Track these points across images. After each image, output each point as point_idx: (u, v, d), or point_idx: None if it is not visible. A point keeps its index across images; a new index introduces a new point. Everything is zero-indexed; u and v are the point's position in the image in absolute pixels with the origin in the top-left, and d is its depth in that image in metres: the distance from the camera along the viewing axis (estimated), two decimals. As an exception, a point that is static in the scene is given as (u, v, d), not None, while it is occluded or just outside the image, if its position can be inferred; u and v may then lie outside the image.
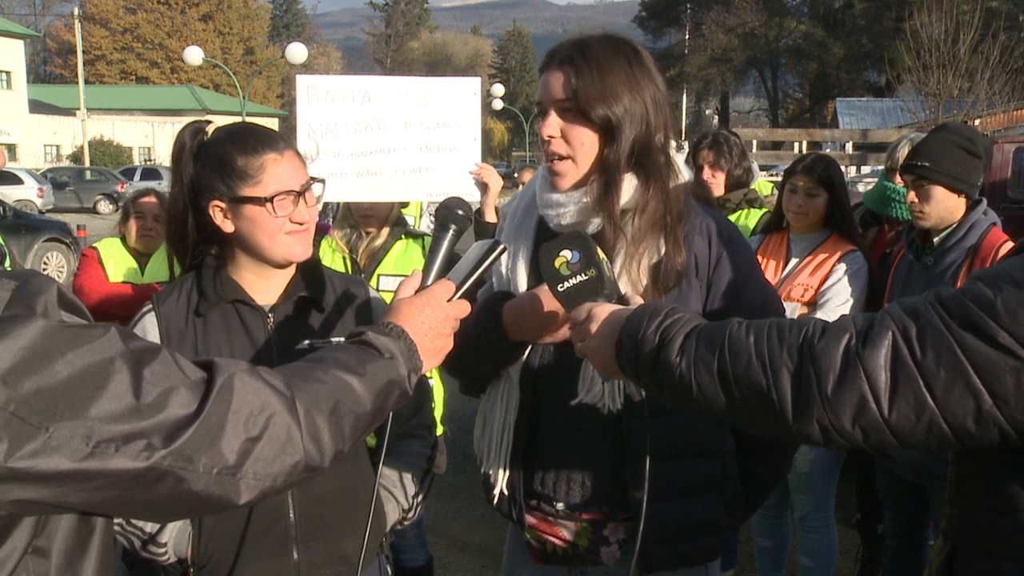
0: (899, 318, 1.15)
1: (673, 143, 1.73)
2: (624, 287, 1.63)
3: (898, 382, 1.11)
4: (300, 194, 1.71)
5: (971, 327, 1.09)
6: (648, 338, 1.31)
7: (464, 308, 1.48)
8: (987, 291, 1.11)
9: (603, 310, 1.43)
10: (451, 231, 1.59)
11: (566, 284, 1.49)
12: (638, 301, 1.48)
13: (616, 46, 1.67)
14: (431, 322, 1.42)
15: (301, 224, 1.72)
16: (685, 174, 1.74)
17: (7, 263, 3.53)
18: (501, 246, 1.57)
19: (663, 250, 1.66)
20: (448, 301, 1.46)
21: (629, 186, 1.66)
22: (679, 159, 1.76)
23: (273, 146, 1.70)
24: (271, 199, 1.67)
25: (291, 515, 1.71)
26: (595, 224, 1.68)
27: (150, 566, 1.78)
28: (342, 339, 1.71)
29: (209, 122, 1.82)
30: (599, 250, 1.51)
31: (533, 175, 2.05)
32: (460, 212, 1.60)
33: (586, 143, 1.65)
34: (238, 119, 1.92)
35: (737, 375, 1.22)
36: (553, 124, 1.67)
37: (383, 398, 1.28)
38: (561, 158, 1.68)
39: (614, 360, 1.38)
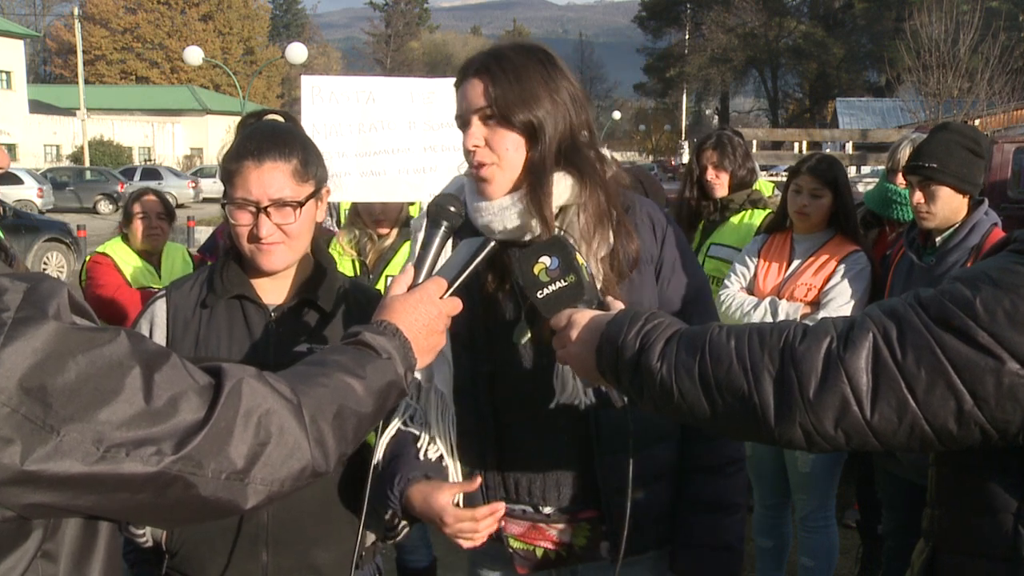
0: (879, 320, 1.14)
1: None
2: None
3: (879, 384, 1.11)
4: (261, 209, 1.67)
5: (950, 327, 1.09)
6: (628, 343, 1.30)
7: (456, 305, 1.49)
8: (966, 291, 1.10)
9: (583, 316, 1.42)
10: (443, 228, 1.57)
11: (546, 291, 1.48)
12: (618, 306, 1.47)
13: (528, 51, 1.68)
14: (424, 319, 1.42)
15: (261, 239, 1.68)
16: (614, 166, 1.78)
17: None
18: (492, 243, 1.56)
19: (611, 241, 1.67)
20: (440, 298, 1.46)
21: (564, 184, 1.65)
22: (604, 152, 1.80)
23: (257, 155, 1.67)
24: (228, 204, 1.68)
25: (265, 516, 1.70)
26: (535, 226, 1.64)
27: (151, 567, 1.78)
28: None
29: (264, 113, 1.84)
30: (579, 255, 1.49)
31: None
32: (452, 209, 1.59)
33: (511, 148, 1.63)
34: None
35: (718, 379, 1.21)
36: (477, 134, 1.64)
37: (383, 399, 1.29)
38: (486, 164, 1.65)
39: (595, 367, 1.37)
